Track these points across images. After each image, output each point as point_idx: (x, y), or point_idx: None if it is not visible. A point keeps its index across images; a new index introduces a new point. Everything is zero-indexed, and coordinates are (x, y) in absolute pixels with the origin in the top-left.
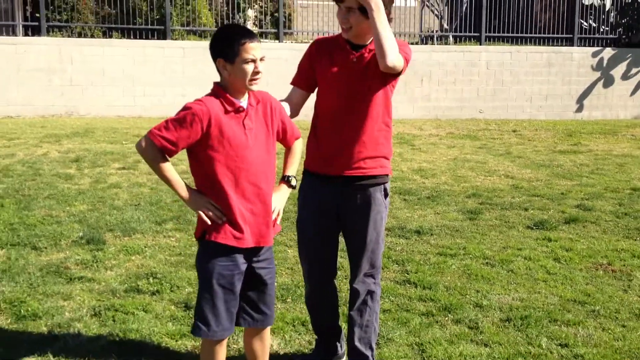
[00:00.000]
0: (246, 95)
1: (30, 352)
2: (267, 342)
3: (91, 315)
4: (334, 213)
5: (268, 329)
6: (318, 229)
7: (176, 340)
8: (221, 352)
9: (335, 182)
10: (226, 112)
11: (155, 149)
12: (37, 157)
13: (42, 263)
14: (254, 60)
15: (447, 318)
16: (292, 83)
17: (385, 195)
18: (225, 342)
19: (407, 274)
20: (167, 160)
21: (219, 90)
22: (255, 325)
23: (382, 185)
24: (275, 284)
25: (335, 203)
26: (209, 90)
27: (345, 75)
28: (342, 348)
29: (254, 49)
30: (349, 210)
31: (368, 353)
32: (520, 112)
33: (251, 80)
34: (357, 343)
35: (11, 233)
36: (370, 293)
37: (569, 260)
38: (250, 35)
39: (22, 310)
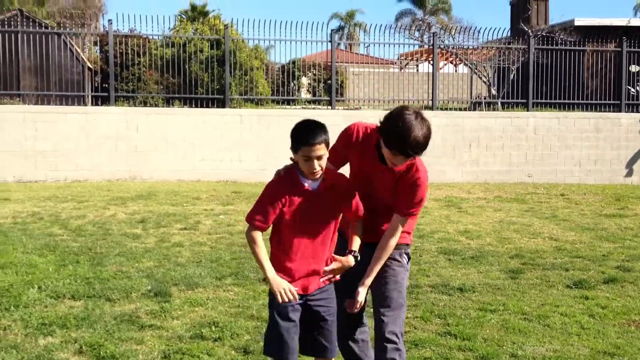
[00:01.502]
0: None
1: None
2: None
3: (162, 358)
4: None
5: None
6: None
7: None
8: None
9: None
10: (295, 192)
11: (251, 230)
12: (106, 218)
13: (116, 312)
14: (310, 159)
15: None
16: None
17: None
18: None
19: (448, 326)
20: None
21: (293, 170)
22: (319, 355)
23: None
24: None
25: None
26: (263, 154)
27: (374, 179)
28: None
29: (313, 151)
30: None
31: None
32: (569, 176)
33: (309, 173)
34: None
35: (87, 286)
36: None
37: (603, 317)
38: (312, 139)
39: (101, 353)
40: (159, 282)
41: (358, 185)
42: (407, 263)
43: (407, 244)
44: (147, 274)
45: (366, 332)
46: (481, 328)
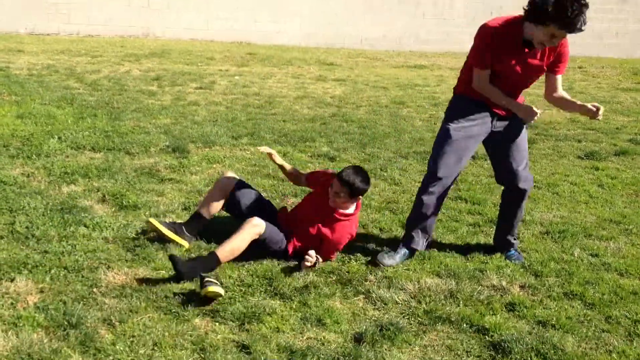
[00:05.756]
0: None
1: (135, 232)
2: None
3: (182, 209)
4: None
5: None
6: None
7: None
8: None
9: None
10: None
11: None
12: (121, 74)
13: (135, 165)
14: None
15: (491, 229)
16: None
17: None
18: None
19: (459, 191)
20: None
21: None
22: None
23: None
24: None
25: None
26: (279, 16)
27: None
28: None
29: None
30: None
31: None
32: (589, 49)
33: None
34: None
35: (106, 139)
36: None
37: (612, 187)
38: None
39: (123, 202)
40: (176, 139)
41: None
42: None
43: None
44: (165, 130)
45: None
46: (491, 194)
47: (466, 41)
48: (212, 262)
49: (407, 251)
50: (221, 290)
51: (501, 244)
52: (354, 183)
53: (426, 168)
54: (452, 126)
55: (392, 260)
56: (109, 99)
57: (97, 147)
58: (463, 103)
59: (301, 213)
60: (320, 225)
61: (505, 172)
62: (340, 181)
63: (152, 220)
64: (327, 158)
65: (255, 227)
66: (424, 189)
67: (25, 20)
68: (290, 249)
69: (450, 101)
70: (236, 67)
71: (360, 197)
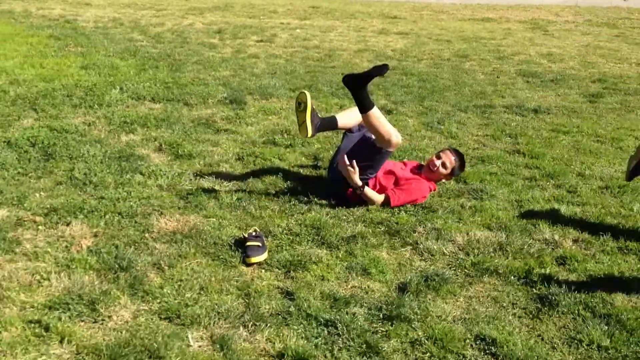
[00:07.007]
0: None
1: (189, 180)
2: None
3: (236, 159)
4: None
5: None
6: None
7: (307, 180)
8: None
9: None
10: None
11: None
12: (184, 27)
13: (193, 116)
14: None
15: (548, 183)
16: None
17: None
18: None
19: (518, 145)
20: None
21: None
22: None
23: None
24: None
25: None
26: None
27: None
28: None
29: None
30: None
31: None
32: None
33: None
34: None
35: (166, 90)
36: None
37: None
38: None
39: (179, 151)
40: (234, 91)
41: None
42: None
43: None
44: (224, 82)
45: None
46: (551, 148)
47: None
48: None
49: None
50: (263, 258)
51: None
52: (463, 161)
53: (485, 122)
54: None
55: None
56: (170, 51)
57: (156, 97)
58: None
59: (388, 167)
60: (405, 176)
61: None
62: (455, 154)
63: (307, 94)
64: (384, 111)
65: (398, 137)
66: None
67: None
68: (370, 185)
69: None
70: (298, 21)
71: (452, 177)
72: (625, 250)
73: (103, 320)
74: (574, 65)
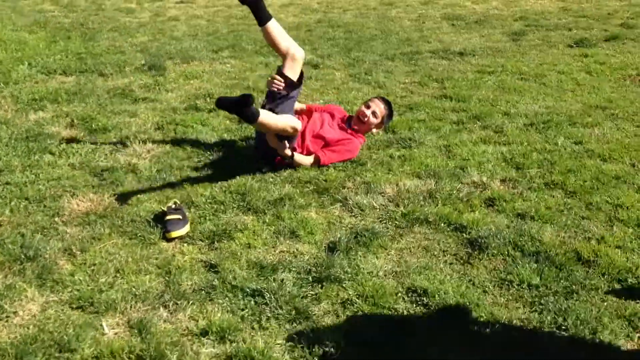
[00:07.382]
0: None
1: (104, 156)
2: None
3: (155, 129)
4: None
5: None
6: None
7: (231, 145)
8: None
9: None
10: None
11: None
12: None
13: (108, 87)
14: None
15: (475, 125)
16: None
17: None
18: None
19: (445, 89)
20: None
21: None
22: None
23: None
24: None
25: None
26: None
27: None
28: None
29: None
30: None
31: None
32: None
33: None
34: None
35: (79, 62)
36: None
37: (600, 73)
38: None
39: (93, 125)
40: (153, 56)
41: None
42: None
43: None
44: (142, 48)
45: None
46: (477, 89)
47: None
48: (254, 111)
49: None
50: (184, 231)
51: None
52: (392, 109)
53: (412, 69)
54: None
55: None
56: (84, 20)
57: (68, 70)
58: None
59: (312, 126)
60: (335, 138)
61: None
62: (384, 102)
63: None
64: (310, 66)
65: (296, 122)
66: None
67: None
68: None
69: None
70: None
71: (383, 127)
72: (551, 185)
73: (8, 317)
74: (497, 5)
